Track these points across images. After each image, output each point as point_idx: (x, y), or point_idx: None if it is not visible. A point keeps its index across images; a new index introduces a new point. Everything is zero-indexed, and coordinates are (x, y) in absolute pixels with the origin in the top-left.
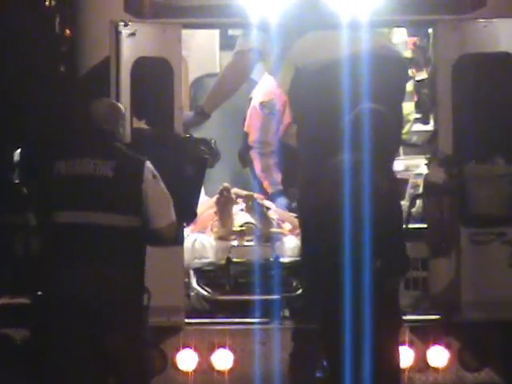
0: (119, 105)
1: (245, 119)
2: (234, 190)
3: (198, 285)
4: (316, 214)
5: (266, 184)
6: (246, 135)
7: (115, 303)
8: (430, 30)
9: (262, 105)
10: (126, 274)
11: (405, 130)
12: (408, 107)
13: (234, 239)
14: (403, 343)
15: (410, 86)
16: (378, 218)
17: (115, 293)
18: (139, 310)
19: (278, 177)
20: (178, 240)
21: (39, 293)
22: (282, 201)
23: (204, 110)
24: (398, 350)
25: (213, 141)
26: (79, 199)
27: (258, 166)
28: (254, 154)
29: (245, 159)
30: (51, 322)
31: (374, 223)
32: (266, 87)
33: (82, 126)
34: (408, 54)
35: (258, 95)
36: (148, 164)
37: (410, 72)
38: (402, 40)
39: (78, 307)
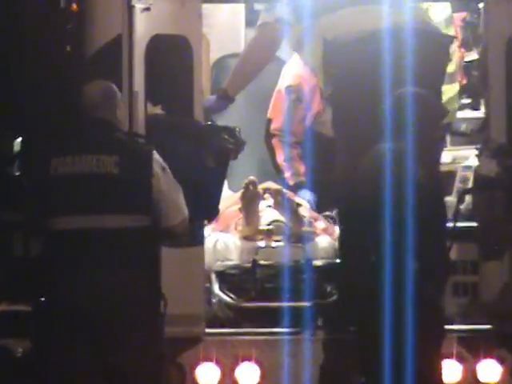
0: (114, 87)
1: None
2: (267, 184)
3: (221, 290)
4: (353, 210)
5: (287, 175)
6: (269, 121)
7: (127, 313)
8: (481, 5)
9: (289, 89)
10: (138, 279)
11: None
12: (451, 90)
13: (261, 239)
14: (450, 356)
15: (453, 67)
16: (419, 215)
17: (127, 301)
18: (154, 320)
19: (301, 168)
20: (198, 240)
21: (41, 304)
22: (304, 194)
23: (227, 93)
24: (440, 364)
25: (237, 129)
26: (83, 201)
27: (280, 155)
28: (276, 143)
29: (270, 148)
30: (56, 335)
31: (414, 220)
32: (293, 69)
33: (78, 115)
34: (451, 31)
35: (284, 78)
36: (156, 155)
37: (456, 52)
38: (445, 16)
39: (86, 319)
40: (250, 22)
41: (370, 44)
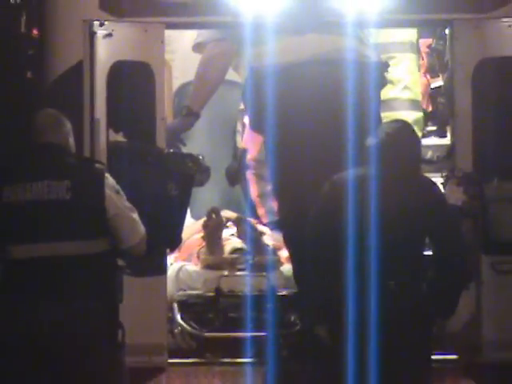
0: (63, 115)
1: (234, 132)
2: (224, 213)
3: (184, 320)
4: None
5: (261, 212)
6: (243, 151)
7: (83, 343)
8: (447, 31)
9: None
10: (95, 307)
11: None
12: (414, 117)
13: (225, 268)
14: None
15: (418, 95)
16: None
17: (82, 332)
18: (111, 350)
19: (275, 205)
20: (161, 269)
21: None
22: (278, 233)
23: (191, 110)
24: None
25: (200, 156)
26: (36, 229)
27: (254, 189)
28: (250, 176)
29: (234, 178)
30: (8, 364)
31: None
32: None
33: (28, 142)
34: (413, 57)
35: None
36: (108, 178)
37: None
38: (409, 41)
39: (40, 349)
40: None
41: (290, 74)
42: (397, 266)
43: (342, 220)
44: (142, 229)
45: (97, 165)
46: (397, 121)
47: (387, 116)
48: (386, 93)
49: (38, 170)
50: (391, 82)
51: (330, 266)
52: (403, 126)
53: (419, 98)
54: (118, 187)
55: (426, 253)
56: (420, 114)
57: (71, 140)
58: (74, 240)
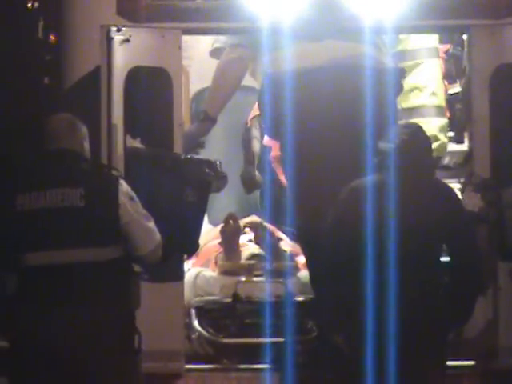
0: (78, 120)
1: (250, 138)
2: (241, 219)
3: (201, 326)
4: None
5: None
6: (265, 148)
7: (99, 349)
8: (464, 37)
9: None
10: (110, 313)
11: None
12: (440, 123)
13: (242, 274)
14: None
15: (441, 101)
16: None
17: (99, 337)
18: (128, 355)
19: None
20: (178, 275)
21: (14, 341)
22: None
23: (208, 114)
24: None
25: (218, 162)
26: (50, 236)
27: (282, 177)
28: (276, 165)
29: (250, 183)
30: (26, 373)
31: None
32: None
33: (42, 148)
34: (434, 61)
35: None
36: (123, 185)
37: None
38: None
39: (57, 356)
40: None
41: (307, 80)
42: (415, 272)
43: (359, 227)
44: (157, 236)
45: (111, 171)
46: (409, 125)
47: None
48: (414, 99)
49: (52, 178)
50: (418, 89)
51: (348, 273)
52: (416, 130)
53: (444, 103)
54: (132, 194)
55: (443, 259)
56: (445, 120)
57: (86, 145)
58: (87, 247)
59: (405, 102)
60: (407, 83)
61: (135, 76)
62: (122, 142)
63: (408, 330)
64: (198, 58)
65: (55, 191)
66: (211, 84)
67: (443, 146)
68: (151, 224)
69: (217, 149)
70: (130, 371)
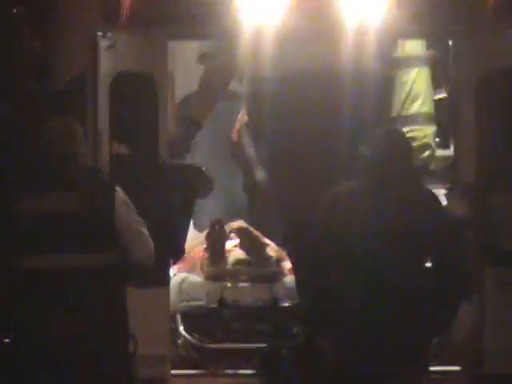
0: (76, 123)
1: (241, 147)
2: (227, 224)
3: (186, 331)
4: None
5: None
6: None
7: (95, 354)
8: (451, 42)
9: None
10: (108, 319)
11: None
12: (431, 131)
13: (228, 279)
14: None
15: (430, 108)
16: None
17: (94, 342)
18: (123, 360)
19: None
20: (164, 280)
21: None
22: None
23: (194, 119)
24: None
25: (203, 168)
26: (45, 240)
27: None
28: None
29: (254, 191)
30: (21, 378)
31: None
32: None
33: (39, 152)
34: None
35: None
36: (119, 192)
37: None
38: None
39: (53, 361)
40: None
41: (290, 86)
42: (398, 279)
43: (341, 233)
44: (150, 243)
45: (107, 177)
46: (391, 130)
47: (410, 130)
48: (409, 107)
49: (49, 181)
50: (415, 97)
51: (333, 279)
52: (398, 136)
53: (433, 111)
54: (128, 200)
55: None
56: (435, 128)
57: (83, 150)
58: (82, 252)
59: (402, 110)
60: (402, 91)
61: (121, 81)
62: (107, 147)
63: (391, 336)
64: (184, 64)
65: (53, 194)
66: (197, 89)
67: (433, 154)
68: (145, 231)
69: (203, 154)
70: (126, 376)
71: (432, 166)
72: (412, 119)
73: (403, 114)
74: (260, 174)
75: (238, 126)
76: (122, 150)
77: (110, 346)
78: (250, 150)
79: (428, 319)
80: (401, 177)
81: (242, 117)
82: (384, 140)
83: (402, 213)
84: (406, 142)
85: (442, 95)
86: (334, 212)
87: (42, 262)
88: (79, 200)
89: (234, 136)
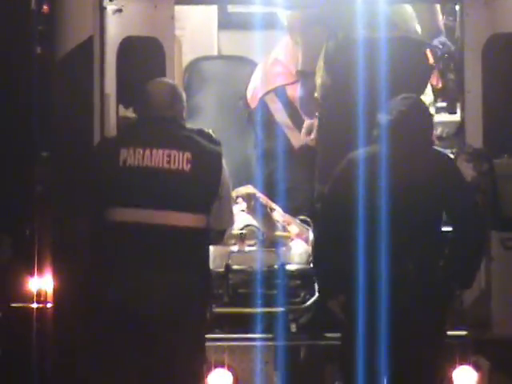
0: (180, 88)
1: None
2: (235, 189)
3: None
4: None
5: None
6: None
7: (181, 313)
8: (457, 7)
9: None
10: (194, 279)
11: None
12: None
13: (234, 244)
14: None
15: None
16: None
17: (182, 301)
18: (203, 322)
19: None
20: None
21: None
22: None
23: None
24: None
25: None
26: (149, 196)
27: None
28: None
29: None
30: (104, 331)
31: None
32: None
33: (142, 113)
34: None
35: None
36: (223, 159)
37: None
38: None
39: (136, 314)
40: (223, 25)
41: (368, 49)
42: (414, 242)
43: (356, 197)
44: (233, 220)
45: (214, 144)
46: (407, 96)
47: None
48: None
49: (157, 139)
50: None
51: (346, 242)
52: (414, 102)
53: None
54: (226, 168)
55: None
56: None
57: (185, 114)
58: (186, 211)
59: None
60: None
61: (128, 46)
62: (114, 112)
63: (407, 300)
64: (191, 29)
65: (162, 152)
66: None
67: None
68: (232, 201)
69: (210, 119)
70: (203, 338)
71: (438, 131)
72: None
73: None
74: (299, 139)
75: (257, 93)
76: (129, 114)
77: (196, 305)
78: (283, 117)
79: (444, 284)
80: (417, 141)
81: (261, 83)
82: (402, 105)
83: (417, 176)
84: (424, 107)
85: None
86: (349, 176)
87: (141, 216)
88: (189, 160)
89: (252, 102)
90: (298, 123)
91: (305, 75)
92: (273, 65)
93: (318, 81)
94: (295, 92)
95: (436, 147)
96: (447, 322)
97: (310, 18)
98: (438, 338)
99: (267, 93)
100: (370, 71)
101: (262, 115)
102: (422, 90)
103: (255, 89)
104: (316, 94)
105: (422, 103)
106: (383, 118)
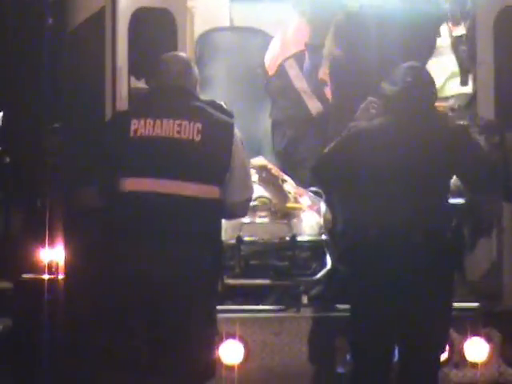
0: (192, 61)
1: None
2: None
3: None
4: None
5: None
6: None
7: (191, 285)
8: None
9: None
10: (209, 253)
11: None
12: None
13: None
14: None
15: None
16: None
17: (192, 273)
18: (215, 295)
19: None
20: None
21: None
22: None
23: None
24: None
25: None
26: (159, 165)
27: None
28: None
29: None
30: (113, 299)
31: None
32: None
33: (156, 83)
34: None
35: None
36: (235, 128)
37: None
38: None
39: (147, 285)
40: None
41: (373, 20)
42: (423, 212)
43: (359, 166)
44: (250, 189)
45: (226, 115)
46: (412, 66)
47: None
48: None
49: (168, 109)
50: None
51: (356, 212)
52: (420, 71)
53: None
54: (242, 139)
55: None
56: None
57: (198, 88)
58: (196, 182)
59: None
60: None
61: (140, 17)
62: (126, 83)
63: (417, 270)
64: (203, 0)
65: (172, 122)
66: None
67: None
68: (249, 174)
69: (222, 91)
70: (215, 311)
71: (450, 103)
72: None
73: None
74: (317, 106)
75: (276, 60)
76: (141, 85)
77: (207, 278)
78: (301, 83)
79: (453, 256)
80: (424, 111)
81: (280, 50)
82: (407, 75)
83: (427, 145)
84: (428, 75)
85: (461, 32)
86: (358, 145)
87: (152, 186)
88: (199, 130)
89: (270, 69)
90: (316, 90)
91: (313, 48)
92: (294, 31)
93: (327, 52)
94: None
95: (445, 116)
96: (455, 294)
97: None
98: (447, 309)
99: (286, 59)
100: (380, 41)
101: (280, 82)
102: (430, 56)
103: (274, 56)
104: (325, 67)
105: (426, 72)
106: (389, 88)
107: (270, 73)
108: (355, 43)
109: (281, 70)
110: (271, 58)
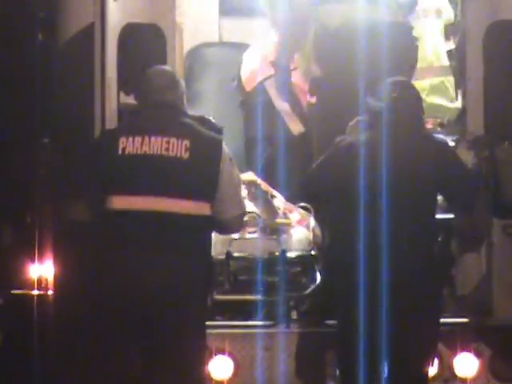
0: (178, 75)
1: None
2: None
3: None
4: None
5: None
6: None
7: (184, 298)
8: None
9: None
10: (198, 270)
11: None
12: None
13: None
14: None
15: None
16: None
17: (180, 287)
18: (205, 309)
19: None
20: None
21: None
22: None
23: None
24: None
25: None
26: (147, 183)
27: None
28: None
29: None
30: (105, 316)
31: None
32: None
33: (142, 99)
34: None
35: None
36: (224, 144)
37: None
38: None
39: (137, 301)
40: (223, 12)
41: (353, 36)
42: (408, 226)
43: (350, 182)
44: (241, 205)
45: (215, 131)
46: (398, 81)
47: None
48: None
49: (156, 126)
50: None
51: (342, 228)
52: (405, 86)
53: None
54: (231, 156)
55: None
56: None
57: (185, 101)
58: (185, 199)
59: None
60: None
61: (129, 33)
62: (115, 98)
63: (403, 283)
64: (192, 15)
65: (160, 139)
66: None
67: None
68: (239, 190)
69: (211, 106)
70: (204, 324)
71: (440, 118)
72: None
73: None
74: (298, 127)
75: (255, 77)
76: (130, 101)
77: (199, 291)
78: (279, 102)
79: (439, 269)
80: (410, 125)
81: (260, 67)
82: (392, 91)
83: (411, 161)
84: (414, 90)
85: (450, 47)
86: (343, 160)
87: (140, 204)
88: (187, 148)
89: (247, 86)
90: (297, 110)
91: (279, 67)
92: (275, 48)
93: (306, 70)
94: (296, 78)
95: (431, 132)
96: (443, 307)
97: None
98: (435, 324)
99: (267, 78)
100: (360, 56)
101: (259, 99)
102: (412, 72)
103: (253, 71)
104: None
105: (412, 87)
106: (375, 104)
107: (248, 89)
108: (335, 62)
109: (260, 88)
110: (250, 72)
